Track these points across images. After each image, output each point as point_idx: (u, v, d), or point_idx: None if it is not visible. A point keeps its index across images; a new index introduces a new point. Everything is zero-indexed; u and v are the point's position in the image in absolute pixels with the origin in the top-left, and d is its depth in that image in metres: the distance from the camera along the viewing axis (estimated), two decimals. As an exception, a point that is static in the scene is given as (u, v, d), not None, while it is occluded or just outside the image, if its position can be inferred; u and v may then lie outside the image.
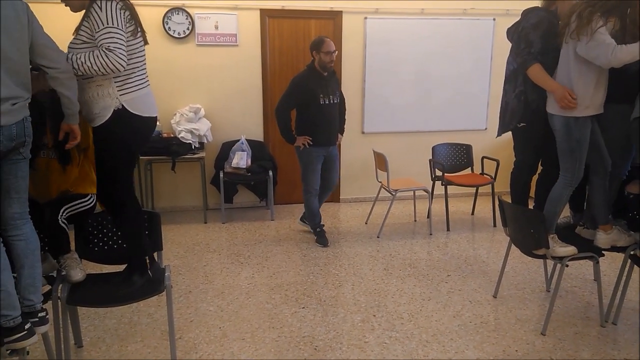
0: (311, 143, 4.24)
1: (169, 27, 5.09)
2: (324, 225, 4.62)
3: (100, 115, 2.42)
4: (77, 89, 2.37)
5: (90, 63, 2.27)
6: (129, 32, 2.39)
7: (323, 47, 4.06)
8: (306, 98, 4.17)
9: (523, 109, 3.08)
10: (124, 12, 2.36)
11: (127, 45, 2.38)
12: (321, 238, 4.51)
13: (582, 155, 2.88)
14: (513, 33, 3.17)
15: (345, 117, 4.59)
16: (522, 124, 3.12)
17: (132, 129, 2.50)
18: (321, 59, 4.10)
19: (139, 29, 2.47)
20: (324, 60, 4.09)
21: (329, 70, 4.18)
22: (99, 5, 2.29)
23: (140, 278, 2.56)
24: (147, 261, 2.63)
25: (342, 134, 4.57)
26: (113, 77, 2.39)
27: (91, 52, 2.29)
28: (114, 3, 2.31)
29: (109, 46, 2.26)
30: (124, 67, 2.32)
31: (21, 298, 2.12)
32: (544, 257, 2.94)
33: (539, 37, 2.95)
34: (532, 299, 3.43)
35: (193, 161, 5.17)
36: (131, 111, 2.45)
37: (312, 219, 4.53)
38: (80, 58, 2.29)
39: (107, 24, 2.28)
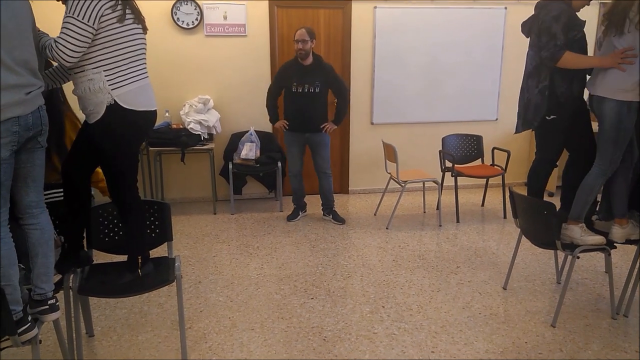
0: (287, 128, 4.59)
1: (178, 18, 5.08)
2: (306, 205, 5.00)
3: (95, 112, 2.31)
4: (73, 83, 2.35)
5: (43, 51, 2.20)
6: (112, 18, 2.23)
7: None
8: (282, 84, 4.55)
9: (550, 102, 3.04)
10: (100, 0, 2.19)
11: (110, 34, 2.24)
12: (291, 213, 4.94)
13: (624, 144, 2.83)
14: (530, 27, 3.11)
15: (345, 109, 4.60)
16: (552, 116, 3.08)
17: (128, 124, 2.39)
18: None
19: (128, 16, 2.30)
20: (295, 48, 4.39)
21: (302, 58, 4.36)
22: None
23: (130, 274, 2.55)
24: (140, 259, 2.60)
25: (336, 124, 4.62)
26: (103, 71, 2.27)
27: (47, 41, 2.19)
28: None
29: (58, 39, 2.15)
30: (69, 62, 2.19)
31: (33, 286, 2.14)
32: (554, 248, 2.91)
33: (560, 29, 2.90)
34: (543, 291, 3.41)
35: (202, 152, 5.18)
36: (124, 106, 2.33)
37: (294, 196, 4.90)
38: (43, 42, 2.20)
39: (70, 12, 2.16)
